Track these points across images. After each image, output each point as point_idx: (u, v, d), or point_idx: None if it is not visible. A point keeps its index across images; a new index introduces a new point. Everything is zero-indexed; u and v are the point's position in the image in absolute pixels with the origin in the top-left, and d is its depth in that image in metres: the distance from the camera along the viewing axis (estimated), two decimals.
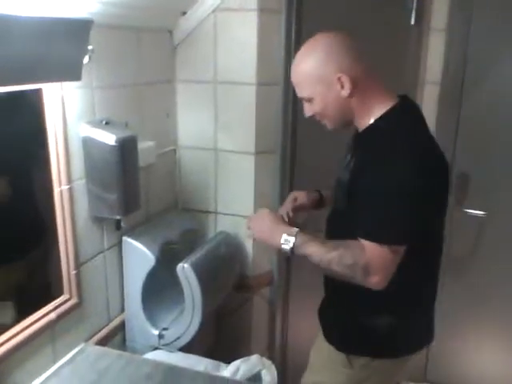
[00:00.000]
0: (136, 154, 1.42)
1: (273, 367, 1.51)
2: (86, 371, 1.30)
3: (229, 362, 1.50)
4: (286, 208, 1.47)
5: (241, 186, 1.83)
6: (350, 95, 1.16)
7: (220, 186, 1.88)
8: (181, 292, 1.57)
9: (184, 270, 1.52)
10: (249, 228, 1.31)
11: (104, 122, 1.37)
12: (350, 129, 1.27)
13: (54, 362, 1.33)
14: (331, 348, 1.35)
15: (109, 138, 1.32)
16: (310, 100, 1.21)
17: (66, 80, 1.17)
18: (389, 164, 1.12)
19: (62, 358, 1.34)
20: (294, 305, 2.17)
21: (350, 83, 1.14)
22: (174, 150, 1.87)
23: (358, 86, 1.16)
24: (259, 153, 1.82)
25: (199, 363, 1.46)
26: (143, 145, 1.56)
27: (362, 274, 1.14)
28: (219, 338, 1.96)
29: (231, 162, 1.84)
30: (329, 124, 1.25)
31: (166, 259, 1.59)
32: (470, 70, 1.95)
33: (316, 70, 1.16)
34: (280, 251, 1.23)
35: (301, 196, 1.52)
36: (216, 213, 1.91)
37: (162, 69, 1.75)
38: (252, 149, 1.80)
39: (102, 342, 1.50)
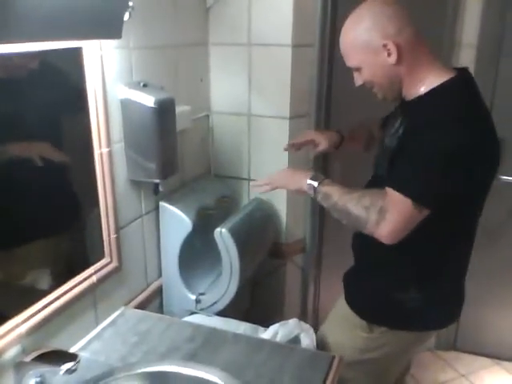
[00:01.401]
0: (174, 117, 1.39)
1: (311, 331, 1.50)
2: (127, 333, 1.31)
3: (264, 326, 1.50)
4: (299, 144, 1.57)
5: (275, 151, 1.80)
6: (398, 62, 1.14)
7: (253, 153, 1.85)
8: (216, 258, 1.56)
9: (222, 234, 1.50)
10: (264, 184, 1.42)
11: (142, 84, 1.34)
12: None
13: (97, 324, 1.34)
14: (351, 312, 1.36)
15: (148, 100, 1.29)
16: (358, 69, 1.21)
17: (107, 37, 1.14)
18: (438, 130, 1.10)
19: (103, 320, 1.35)
20: (325, 272, 2.16)
21: (396, 50, 1.13)
22: (208, 116, 1.83)
23: (406, 54, 1.14)
24: (293, 117, 1.78)
25: (237, 327, 1.46)
26: (179, 109, 1.53)
27: (376, 218, 1.14)
28: (253, 304, 1.96)
29: (265, 127, 1.80)
30: (379, 93, 1.24)
31: (202, 225, 1.58)
32: (508, 32, 1.88)
33: (362, 37, 1.16)
34: (299, 193, 1.33)
35: (322, 143, 1.55)
36: (249, 179, 1.89)
37: (196, 31, 1.70)
38: (286, 113, 1.76)
39: (141, 306, 1.50)
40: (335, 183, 1.27)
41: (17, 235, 1.09)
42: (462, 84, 1.18)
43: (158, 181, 1.41)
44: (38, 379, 1.00)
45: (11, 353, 1.05)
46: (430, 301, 1.29)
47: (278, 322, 1.47)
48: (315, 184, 1.27)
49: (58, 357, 0.98)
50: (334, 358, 1.21)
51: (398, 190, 1.12)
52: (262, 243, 1.81)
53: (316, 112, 1.84)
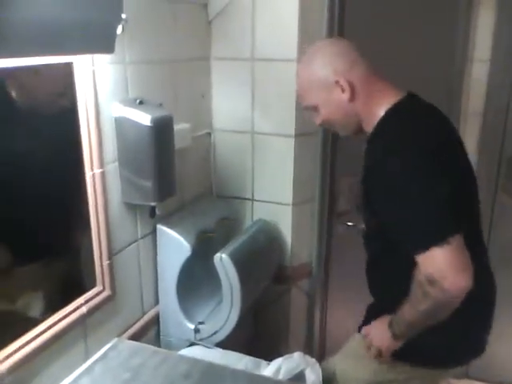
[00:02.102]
0: (172, 136, 1.32)
1: (317, 366, 1.40)
2: (119, 368, 1.22)
3: (267, 358, 1.41)
4: None
5: (279, 171, 1.72)
6: (351, 99, 1.16)
7: (257, 172, 1.77)
8: (217, 284, 1.47)
9: (222, 260, 1.41)
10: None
11: (138, 101, 1.27)
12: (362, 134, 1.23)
13: (86, 358, 1.24)
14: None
15: (144, 118, 1.21)
16: (315, 108, 1.22)
17: (98, 52, 1.07)
18: (394, 162, 1.06)
19: (94, 353, 1.26)
20: (332, 297, 2.06)
21: (348, 86, 1.14)
22: (209, 133, 1.75)
23: (359, 90, 1.16)
24: (299, 135, 1.69)
25: (239, 361, 1.36)
26: (178, 127, 1.45)
27: (434, 289, 1.02)
28: (256, 333, 1.86)
29: (269, 145, 1.72)
30: (340, 131, 1.27)
31: (202, 249, 1.49)
32: None
33: (315, 75, 1.18)
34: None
35: None
36: (253, 200, 1.80)
37: (197, 45, 1.63)
38: (292, 131, 1.68)
39: (136, 337, 1.41)
40: (395, 316, 1.18)
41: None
42: (402, 107, 1.14)
43: (154, 204, 1.32)
44: None
45: None
46: (451, 337, 1.19)
47: (282, 351, 1.38)
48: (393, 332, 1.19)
49: None
50: None
51: (418, 252, 1.02)
52: (266, 268, 1.72)
53: (323, 130, 1.76)
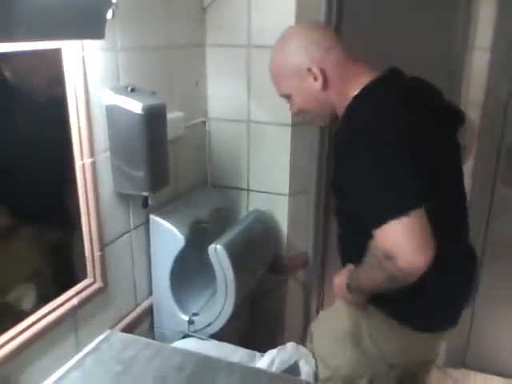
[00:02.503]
0: (165, 125, 1.28)
1: (310, 356, 1.39)
2: (111, 361, 1.20)
3: (263, 349, 1.40)
4: None
5: (275, 160, 1.69)
6: (324, 87, 1.14)
7: (253, 161, 1.74)
8: (212, 275, 1.45)
9: (216, 251, 1.39)
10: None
11: (129, 89, 1.23)
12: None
13: (78, 350, 1.22)
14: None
15: (135, 106, 1.18)
16: (289, 97, 1.21)
17: (87, 37, 1.03)
18: (355, 145, 1.04)
19: (85, 346, 1.24)
20: (329, 287, 2.05)
21: (321, 75, 1.12)
22: (204, 122, 1.72)
23: (332, 78, 1.13)
24: (296, 124, 1.66)
25: (233, 353, 1.35)
26: (171, 115, 1.43)
27: (390, 264, 1.00)
28: (252, 324, 1.85)
29: (265, 134, 1.69)
30: (315, 120, 1.26)
31: (196, 240, 1.47)
32: None
33: (288, 63, 1.16)
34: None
35: None
36: (248, 190, 1.78)
37: (191, 31, 1.59)
38: (288, 120, 1.64)
39: (129, 329, 1.40)
40: (355, 272, 1.19)
41: None
42: (371, 89, 1.11)
43: (146, 194, 1.30)
44: None
45: None
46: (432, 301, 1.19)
47: (278, 342, 1.37)
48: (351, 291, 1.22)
49: None
50: None
51: (377, 225, 0.99)
52: (262, 258, 1.70)
53: None
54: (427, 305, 1.20)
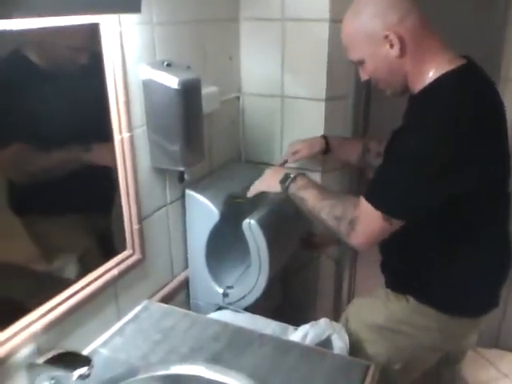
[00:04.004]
0: (200, 100, 1.29)
1: (344, 331, 1.40)
2: (150, 330, 1.24)
3: (295, 324, 1.41)
4: (284, 158, 1.54)
5: (309, 136, 1.65)
6: (401, 55, 1.08)
7: (286, 137, 1.73)
8: (246, 249, 1.47)
9: (250, 226, 1.41)
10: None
11: (165, 64, 1.24)
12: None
13: (118, 318, 1.27)
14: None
15: (171, 81, 1.19)
16: (361, 63, 1.16)
17: (125, 11, 1.03)
18: (415, 132, 1.04)
19: (125, 314, 1.29)
20: (361, 264, 2.04)
21: (398, 42, 1.06)
22: (238, 97, 1.72)
23: (410, 46, 1.08)
24: (330, 99, 1.64)
25: (266, 326, 1.37)
26: (206, 90, 1.42)
27: (346, 228, 1.12)
28: (284, 299, 1.87)
29: (299, 109, 1.68)
30: (386, 89, 1.20)
31: (231, 214, 1.48)
32: None
33: (363, 28, 1.10)
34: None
35: (303, 150, 1.55)
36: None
37: (225, 5, 1.58)
38: (322, 95, 1.63)
39: (166, 300, 1.43)
40: (310, 183, 1.26)
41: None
42: (459, 74, 1.07)
43: (182, 169, 1.31)
44: (52, 382, 0.94)
45: (25, 352, 0.99)
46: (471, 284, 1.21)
47: (310, 318, 1.38)
48: (285, 188, 1.28)
49: (72, 360, 0.92)
50: (369, 367, 1.10)
51: (368, 201, 1.08)
52: (294, 234, 1.70)
53: (355, 94, 1.70)
54: (467, 289, 1.21)
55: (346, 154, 1.58)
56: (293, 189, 1.26)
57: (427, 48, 1.09)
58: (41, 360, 0.92)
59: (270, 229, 1.44)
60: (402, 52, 1.07)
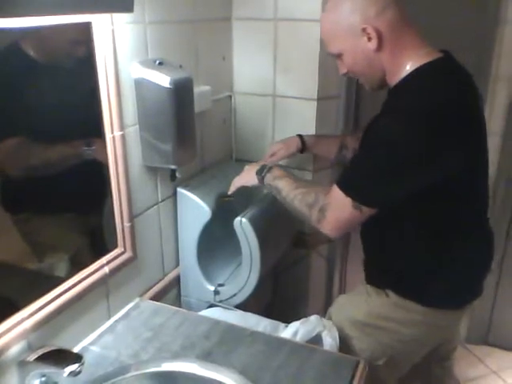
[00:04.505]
0: (192, 98, 1.30)
1: (334, 328, 1.41)
2: (140, 327, 1.25)
3: (286, 321, 1.42)
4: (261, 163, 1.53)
5: None
6: (378, 48, 1.09)
7: (278, 136, 1.73)
8: (237, 247, 1.48)
9: (242, 224, 1.42)
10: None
11: (157, 63, 1.24)
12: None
13: (109, 316, 1.28)
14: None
15: (163, 80, 1.19)
16: (339, 56, 1.16)
17: (117, 10, 1.04)
18: (388, 120, 1.05)
19: (116, 312, 1.29)
20: (352, 263, 2.06)
21: (376, 35, 1.07)
22: (230, 96, 1.73)
23: (387, 39, 1.08)
24: (322, 99, 1.65)
25: (257, 323, 1.38)
26: (198, 89, 1.44)
27: (317, 215, 1.14)
28: (276, 296, 1.88)
29: (291, 108, 1.69)
30: (364, 83, 1.21)
31: (222, 212, 1.49)
32: None
33: (341, 22, 1.10)
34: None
35: (281, 151, 1.57)
36: None
37: (218, 4, 1.58)
38: (314, 94, 1.64)
39: (157, 297, 1.44)
40: (286, 173, 1.28)
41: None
42: (435, 67, 1.08)
43: (174, 167, 1.32)
44: (42, 379, 0.94)
45: (15, 349, 0.99)
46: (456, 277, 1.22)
47: (301, 315, 1.39)
48: (261, 178, 1.31)
49: (63, 357, 0.92)
50: (358, 362, 1.12)
51: (339, 188, 1.10)
52: (285, 232, 1.72)
53: (346, 93, 1.71)
54: (450, 281, 1.21)
55: (323, 150, 1.60)
56: (268, 179, 1.29)
57: (405, 42, 1.09)
58: (32, 357, 0.92)
59: (261, 227, 1.45)
60: (380, 46, 1.08)
